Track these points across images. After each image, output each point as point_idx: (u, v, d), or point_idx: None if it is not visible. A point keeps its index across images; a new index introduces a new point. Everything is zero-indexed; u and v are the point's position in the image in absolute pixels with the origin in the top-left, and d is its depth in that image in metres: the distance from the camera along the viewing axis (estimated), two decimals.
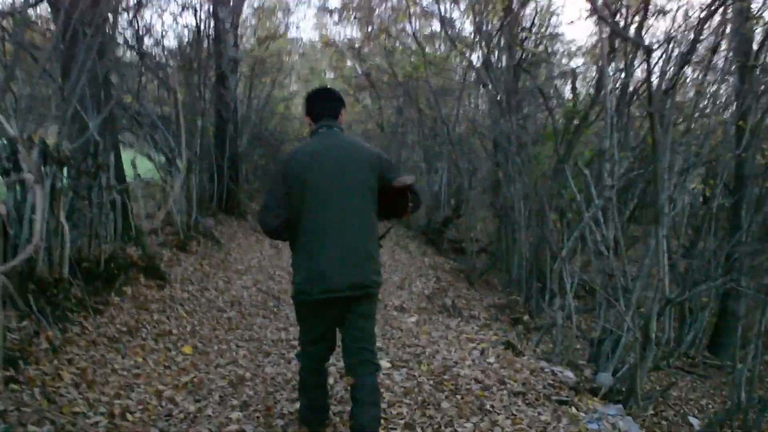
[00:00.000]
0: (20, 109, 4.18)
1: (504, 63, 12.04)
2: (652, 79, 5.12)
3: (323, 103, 2.95)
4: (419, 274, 8.52)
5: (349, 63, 19.89)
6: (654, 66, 5.02)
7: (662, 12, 8.52)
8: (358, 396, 2.80)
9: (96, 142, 5.23)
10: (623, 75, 8.53)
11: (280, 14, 17.20)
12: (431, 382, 4.11)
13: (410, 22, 13.42)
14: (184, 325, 5.27)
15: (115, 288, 5.32)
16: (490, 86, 11.73)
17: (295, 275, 2.83)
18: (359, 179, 2.76)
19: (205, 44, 10.12)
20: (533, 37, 13.16)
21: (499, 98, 11.97)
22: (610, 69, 13.41)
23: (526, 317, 7.81)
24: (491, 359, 4.65)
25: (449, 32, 13.18)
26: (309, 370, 3.03)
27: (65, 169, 4.77)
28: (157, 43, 10.45)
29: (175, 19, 23.71)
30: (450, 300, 7.26)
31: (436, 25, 17.20)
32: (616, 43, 8.18)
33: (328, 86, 3.33)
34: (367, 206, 2.78)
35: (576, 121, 9.47)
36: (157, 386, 3.89)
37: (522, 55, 12.31)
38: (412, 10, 14.72)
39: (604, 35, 7.65)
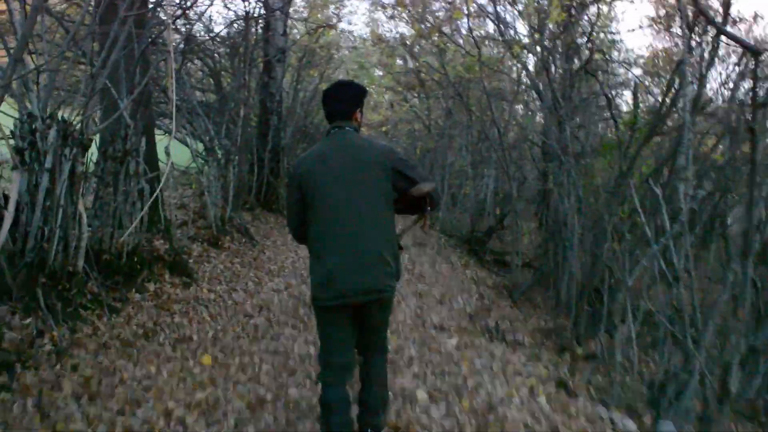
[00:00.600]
0: (42, 84, 3.80)
1: (560, 69, 11.43)
2: (757, 88, 4.49)
3: (336, 103, 2.87)
4: (461, 288, 7.99)
5: (399, 61, 19.45)
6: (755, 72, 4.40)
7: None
8: (365, 377, 2.93)
9: (126, 124, 4.86)
10: (696, 85, 7.84)
11: (332, 7, 16.76)
12: (474, 422, 3.60)
13: (467, 19, 12.86)
14: (207, 330, 4.85)
15: (137, 284, 4.95)
16: (544, 92, 11.13)
17: (311, 279, 2.78)
18: (370, 180, 2.69)
19: (253, 30, 9.71)
20: (590, 44, 12.51)
21: (554, 105, 11.37)
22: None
23: (575, 344, 7.21)
24: (542, 399, 4.10)
25: (505, 34, 12.59)
26: (331, 389, 2.81)
27: (92, 152, 4.41)
28: (206, 29, 10.18)
29: (225, 5, 23.47)
30: (493, 321, 6.72)
31: (490, 27, 16.64)
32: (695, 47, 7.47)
33: (344, 80, 3.12)
34: (380, 207, 2.72)
35: (637, 134, 8.81)
36: (168, 403, 3.46)
37: (581, 62, 11.66)
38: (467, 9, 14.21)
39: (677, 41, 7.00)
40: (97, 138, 4.72)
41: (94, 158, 4.75)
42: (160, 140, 8.69)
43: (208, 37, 9.65)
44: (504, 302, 8.45)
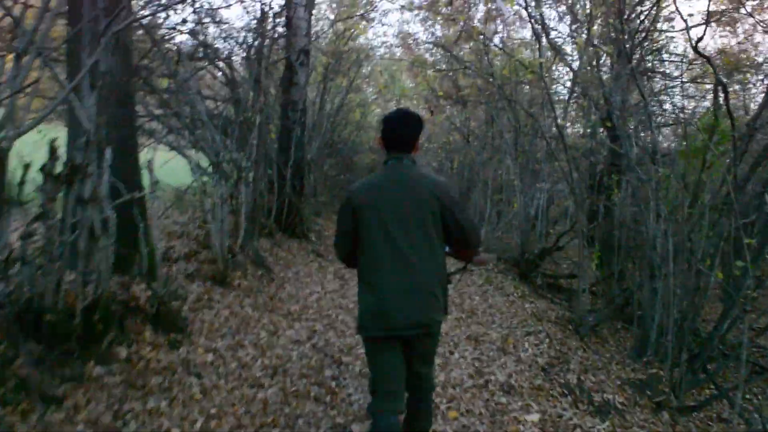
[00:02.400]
0: None
1: (613, 72, 10.00)
2: None
3: (396, 134, 2.85)
4: (523, 327, 6.49)
5: (430, 72, 18.04)
6: None
7: None
8: (411, 410, 3.02)
9: (87, 132, 3.53)
10: None
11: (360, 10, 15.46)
12: None
13: (524, 8, 11.47)
14: (194, 417, 3.45)
15: (100, 351, 3.58)
16: (605, 95, 9.66)
17: (358, 309, 2.83)
18: (423, 214, 2.72)
19: (271, 28, 8.41)
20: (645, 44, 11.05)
21: (609, 111, 9.89)
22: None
23: (673, 399, 5.66)
24: None
25: (549, 37, 11.10)
26: (383, 424, 2.76)
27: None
28: (220, 32, 8.91)
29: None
30: (574, 375, 5.23)
31: (525, 32, 15.28)
32: None
33: (405, 110, 3.00)
34: (430, 242, 2.74)
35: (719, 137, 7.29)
36: None
37: (635, 63, 10.20)
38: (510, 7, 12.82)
39: None
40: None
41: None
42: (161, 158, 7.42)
43: (221, 38, 8.38)
44: (572, 341, 6.92)
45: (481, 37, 11.96)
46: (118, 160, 4.41)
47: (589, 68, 11.48)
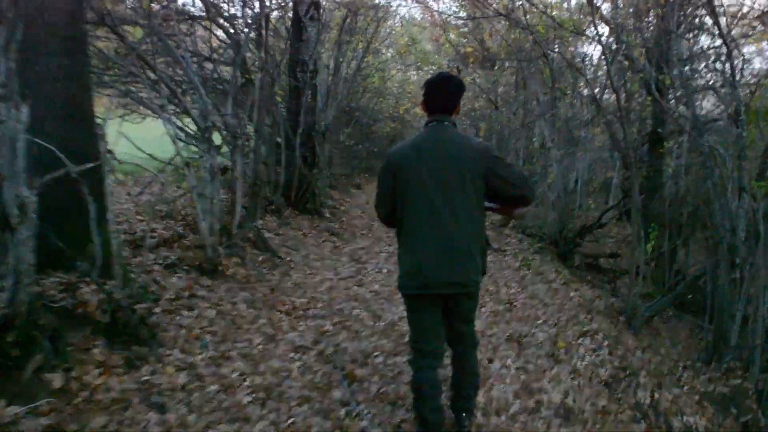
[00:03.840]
0: None
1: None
2: None
3: (438, 97, 2.86)
4: (574, 325, 5.42)
5: (452, 35, 16.72)
6: None
7: None
8: (456, 365, 3.07)
9: None
10: None
11: None
12: None
13: None
14: None
15: (21, 383, 2.61)
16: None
17: (399, 268, 2.88)
18: (463, 176, 2.71)
19: None
20: None
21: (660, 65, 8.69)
22: None
23: (760, 417, 4.60)
24: None
25: None
26: (422, 374, 2.90)
27: None
28: None
29: None
30: (647, 391, 4.19)
31: None
32: None
33: (446, 74, 3.00)
34: (470, 203, 2.74)
35: None
36: None
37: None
38: None
39: None
40: None
41: None
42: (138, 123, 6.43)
43: None
44: (627, 338, 5.85)
45: None
46: (62, 124, 3.41)
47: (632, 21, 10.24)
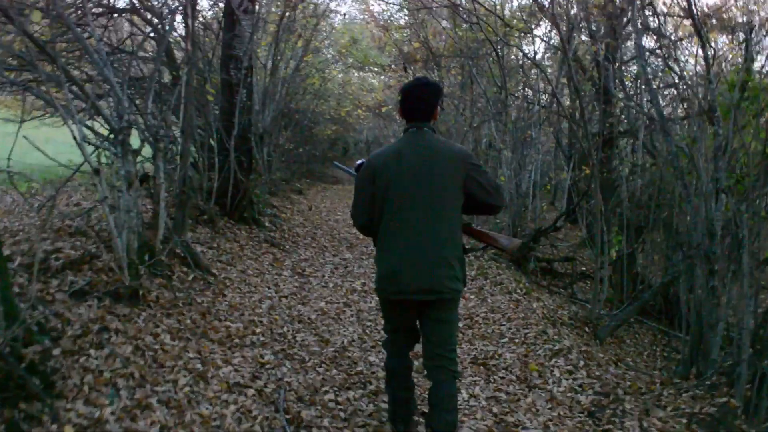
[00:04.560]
0: None
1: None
2: None
3: (415, 102, 2.84)
4: (544, 343, 4.90)
5: (395, 35, 16.22)
6: None
7: None
8: (433, 400, 2.84)
9: None
10: None
11: None
12: None
13: None
14: None
15: None
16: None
17: (377, 271, 2.89)
18: (443, 182, 2.72)
19: None
20: None
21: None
22: None
23: None
24: None
25: None
26: (393, 359, 3.05)
27: None
28: None
29: None
30: (635, 420, 3.71)
31: None
32: None
33: (423, 79, 3.03)
34: (449, 210, 2.74)
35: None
36: None
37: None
38: None
39: None
40: None
41: None
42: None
43: None
44: (597, 352, 5.41)
45: None
46: None
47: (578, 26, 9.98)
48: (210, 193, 7.29)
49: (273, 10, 10.80)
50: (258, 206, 8.48)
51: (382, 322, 3.28)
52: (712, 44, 6.06)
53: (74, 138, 3.87)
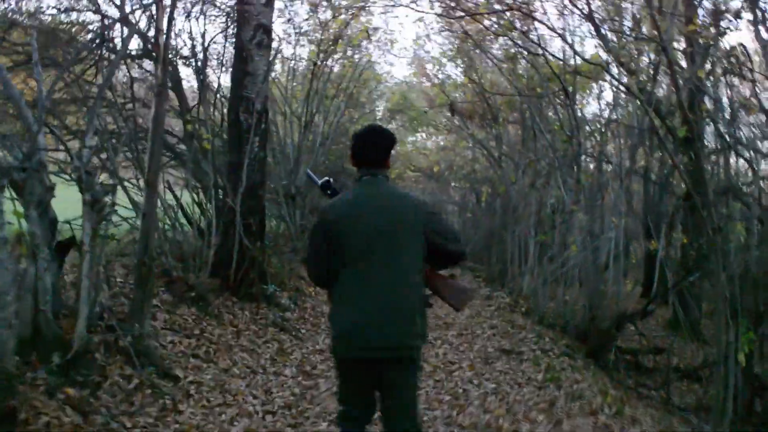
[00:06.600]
0: None
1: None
2: None
3: (369, 149, 2.71)
4: None
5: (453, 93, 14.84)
6: None
7: None
8: None
9: None
10: None
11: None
12: None
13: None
14: None
15: None
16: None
17: (332, 329, 2.70)
18: (402, 233, 2.59)
19: None
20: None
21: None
22: None
23: None
24: None
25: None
26: None
27: None
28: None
29: None
30: None
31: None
32: None
33: (377, 126, 3.02)
34: (410, 262, 2.60)
35: None
36: None
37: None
38: None
39: None
40: None
41: None
42: None
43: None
44: None
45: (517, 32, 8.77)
46: None
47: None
48: (203, 264, 5.82)
49: (305, 55, 9.58)
50: (272, 279, 6.93)
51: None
52: None
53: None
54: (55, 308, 3.45)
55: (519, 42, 8.11)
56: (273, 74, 11.25)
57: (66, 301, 3.91)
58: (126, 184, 5.39)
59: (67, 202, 4.24)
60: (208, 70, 7.64)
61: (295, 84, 10.70)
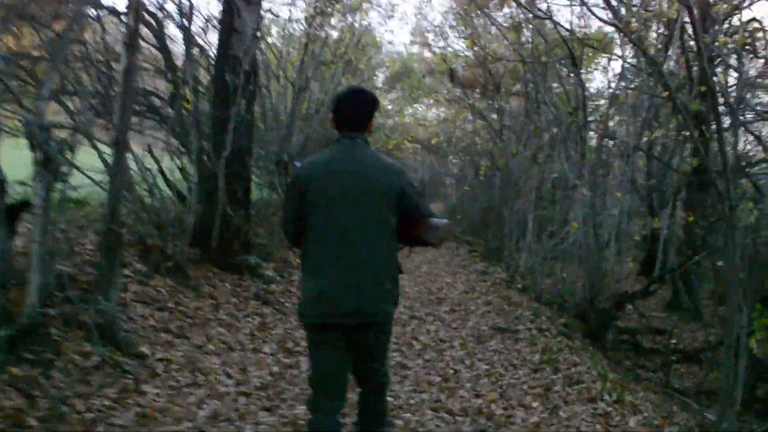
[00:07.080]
0: None
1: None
2: None
3: (350, 112, 2.62)
4: None
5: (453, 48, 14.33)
6: None
7: None
8: (361, 410, 2.74)
9: None
10: None
11: None
12: None
13: None
14: None
15: None
16: None
17: (301, 294, 2.64)
18: (376, 198, 2.51)
19: None
20: None
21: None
22: None
23: None
24: None
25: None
26: (320, 416, 2.56)
27: None
28: None
29: None
30: None
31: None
32: None
33: (360, 88, 2.95)
34: (383, 227, 2.54)
35: None
36: None
37: None
38: None
39: None
40: None
41: None
42: None
43: None
44: None
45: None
46: None
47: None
48: (182, 231, 5.49)
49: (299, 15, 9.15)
50: (258, 251, 6.61)
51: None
52: None
53: None
54: (3, 278, 3.12)
55: (526, 6, 7.70)
56: (269, 39, 10.90)
57: (21, 271, 3.58)
58: (101, 146, 5.00)
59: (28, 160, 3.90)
60: (195, 27, 7.20)
61: (291, 49, 10.26)
